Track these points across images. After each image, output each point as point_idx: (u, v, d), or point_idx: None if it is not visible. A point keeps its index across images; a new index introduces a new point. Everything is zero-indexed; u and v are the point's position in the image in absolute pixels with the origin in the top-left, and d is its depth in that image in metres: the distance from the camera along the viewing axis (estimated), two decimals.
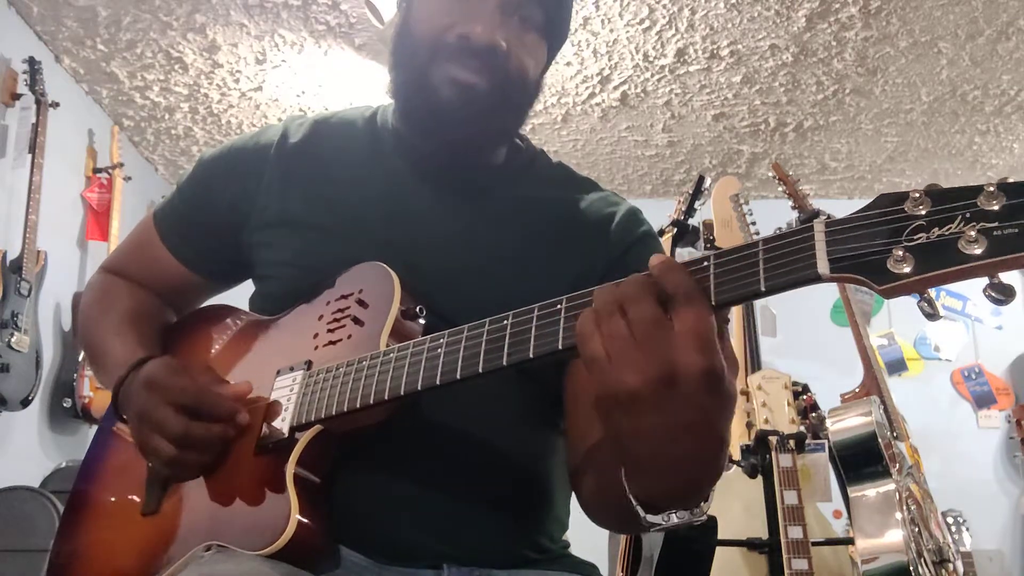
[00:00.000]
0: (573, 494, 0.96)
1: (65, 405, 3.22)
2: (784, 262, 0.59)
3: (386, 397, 0.79)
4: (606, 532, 2.48)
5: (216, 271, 1.12)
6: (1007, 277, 0.55)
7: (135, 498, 0.96)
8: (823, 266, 0.57)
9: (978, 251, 0.52)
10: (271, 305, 1.02)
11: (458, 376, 0.75)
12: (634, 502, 0.68)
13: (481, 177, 1.05)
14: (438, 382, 0.76)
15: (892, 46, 3.29)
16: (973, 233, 0.52)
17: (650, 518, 0.67)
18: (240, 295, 1.12)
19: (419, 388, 0.77)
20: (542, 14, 0.99)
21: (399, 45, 1.02)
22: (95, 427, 3.38)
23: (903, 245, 0.54)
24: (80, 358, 3.27)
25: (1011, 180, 0.53)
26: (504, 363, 0.71)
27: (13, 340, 2.82)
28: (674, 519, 0.67)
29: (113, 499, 1.00)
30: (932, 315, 0.62)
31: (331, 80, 3.52)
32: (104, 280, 1.14)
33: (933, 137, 3.98)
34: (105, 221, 3.56)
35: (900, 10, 3.09)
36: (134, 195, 3.92)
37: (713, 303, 0.61)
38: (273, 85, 3.56)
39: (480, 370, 0.73)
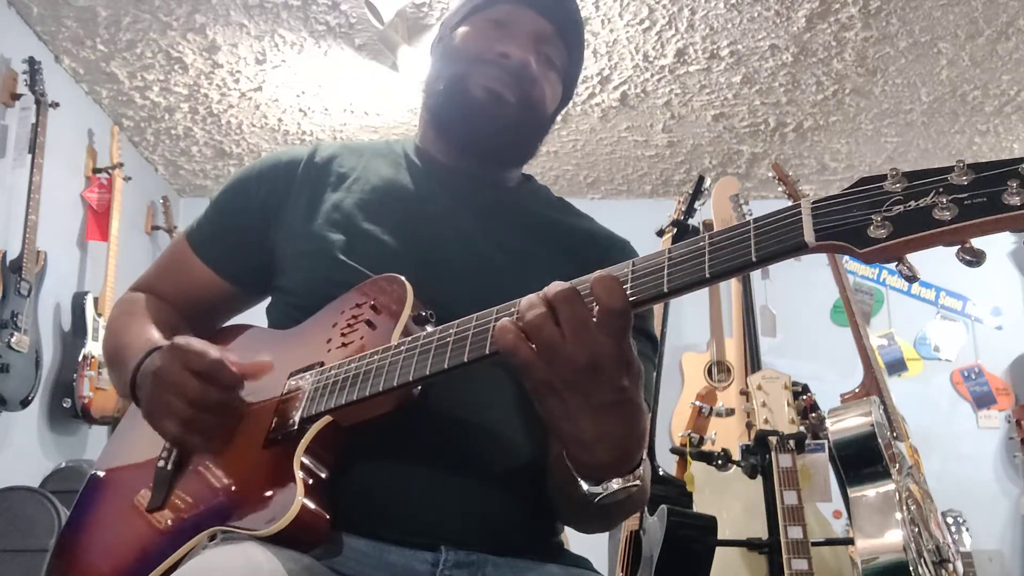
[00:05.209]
0: None
1: (65, 405, 3.21)
2: (774, 235, 0.64)
3: (395, 384, 0.81)
4: (605, 532, 2.48)
5: (244, 276, 1.15)
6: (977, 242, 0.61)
7: (141, 497, 0.97)
8: (809, 235, 0.62)
9: (949, 216, 0.58)
10: (289, 312, 1.06)
11: (465, 359, 0.77)
12: (576, 474, 0.78)
13: (494, 191, 1.15)
14: (446, 366, 0.79)
15: (892, 46, 3.30)
16: (945, 201, 0.58)
17: (591, 489, 0.78)
18: (255, 318, 1.16)
19: (427, 373, 0.79)
20: (563, 58, 1.15)
21: (443, 58, 1.15)
22: (94, 427, 3.41)
23: (882, 214, 0.60)
24: (80, 358, 3.27)
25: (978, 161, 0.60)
26: None
27: (13, 340, 2.82)
28: (612, 487, 0.77)
29: (119, 499, 1.01)
30: (911, 277, 0.64)
31: (331, 80, 3.52)
32: (132, 296, 1.19)
33: (933, 137, 3.98)
34: (105, 221, 3.56)
35: (900, 10, 3.09)
36: (134, 195, 3.93)
37: (708, 276, 0.67)
38: (273, 85, 3.56)
39: (488, 351, 0.76)
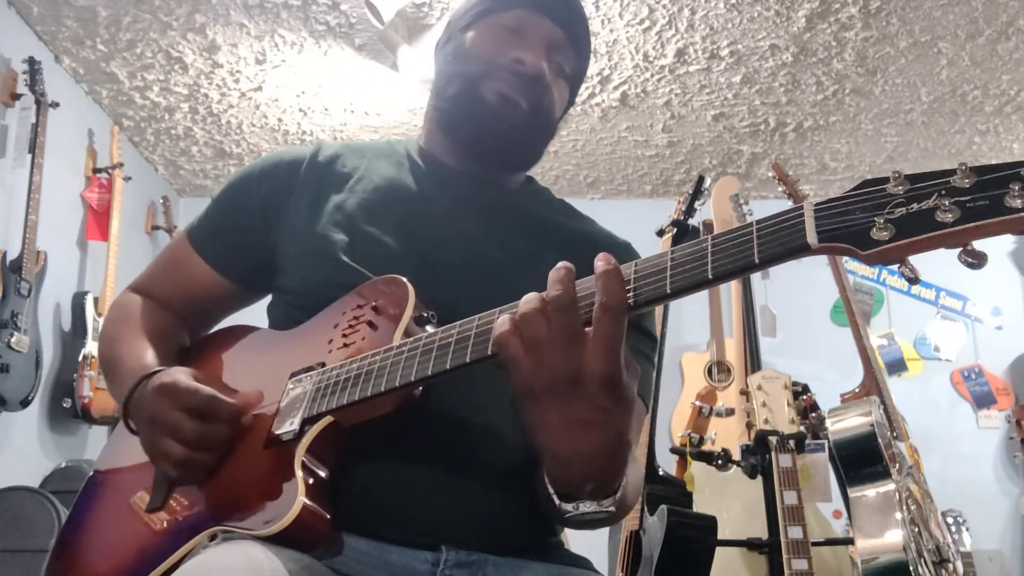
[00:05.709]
0: None
1: (65, 405, 3.21)
2: (776, 237, 0.64)
3: (397, 384, 0.81)
4: (605, 531, 2.48)
5: (244, 275, 1.15)
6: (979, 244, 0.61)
7: (141, 498, 0.97)
8: (812, 237, 0.62)
9: (952, 219, 0.58)
10: (290, 312, 1.05)
11: (468, 359, 0.77)
12: (550, 488, 0.77)
13: (496, 192, 1.15)
14: (448, 366, 0.78)
15: (892, 46, 3.30)
16: (947, 203, 0.58)
17: (563, 505, 0.77)
18: (255, 318, 1.15)
19: (429, 373, 0.79)
20: (574, 65, 1.17)
21: (454, 61, 1.15)
22: (94, 427, 3.41)
23: (885, 216, 0.60)
24: (80, 358, 3.27)
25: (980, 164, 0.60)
26: None
27: (13, 340, 2.82)
28: (583, 508, 0.76)
29: (118, 500, 1.01)
30: (913, 279, 0.65)
31: (331, 80, 3.52)
32: (128, 299, 1.18)
33: (933, 137, 3.99)
34: (105, 221, 3.56)
35: (900, 10, 3.09)
36: (134, 195, 3.93)
37: (710, 277, 0.66)
38: (273, 85, 3.56)
39: (490, 351, 0.75)
